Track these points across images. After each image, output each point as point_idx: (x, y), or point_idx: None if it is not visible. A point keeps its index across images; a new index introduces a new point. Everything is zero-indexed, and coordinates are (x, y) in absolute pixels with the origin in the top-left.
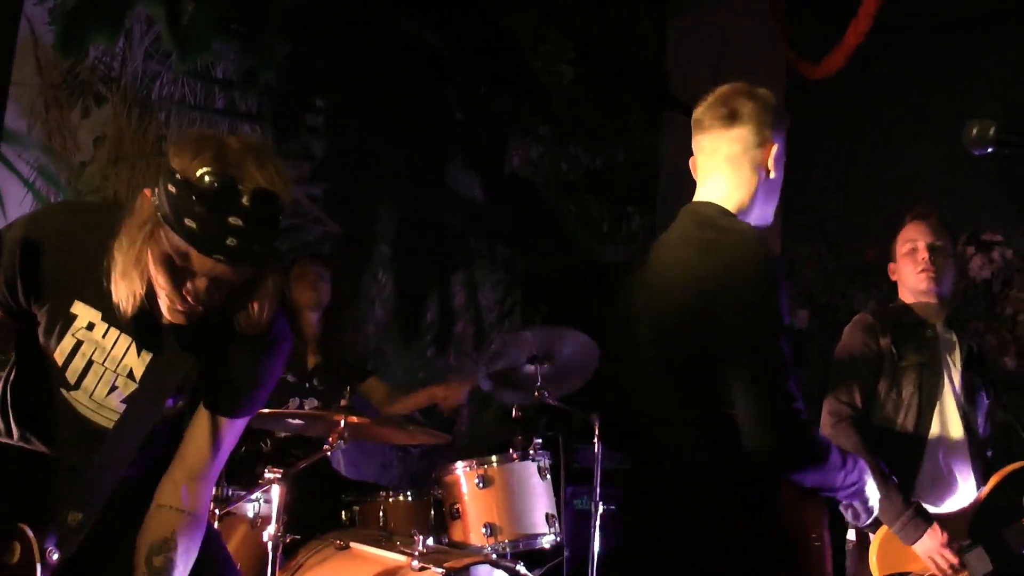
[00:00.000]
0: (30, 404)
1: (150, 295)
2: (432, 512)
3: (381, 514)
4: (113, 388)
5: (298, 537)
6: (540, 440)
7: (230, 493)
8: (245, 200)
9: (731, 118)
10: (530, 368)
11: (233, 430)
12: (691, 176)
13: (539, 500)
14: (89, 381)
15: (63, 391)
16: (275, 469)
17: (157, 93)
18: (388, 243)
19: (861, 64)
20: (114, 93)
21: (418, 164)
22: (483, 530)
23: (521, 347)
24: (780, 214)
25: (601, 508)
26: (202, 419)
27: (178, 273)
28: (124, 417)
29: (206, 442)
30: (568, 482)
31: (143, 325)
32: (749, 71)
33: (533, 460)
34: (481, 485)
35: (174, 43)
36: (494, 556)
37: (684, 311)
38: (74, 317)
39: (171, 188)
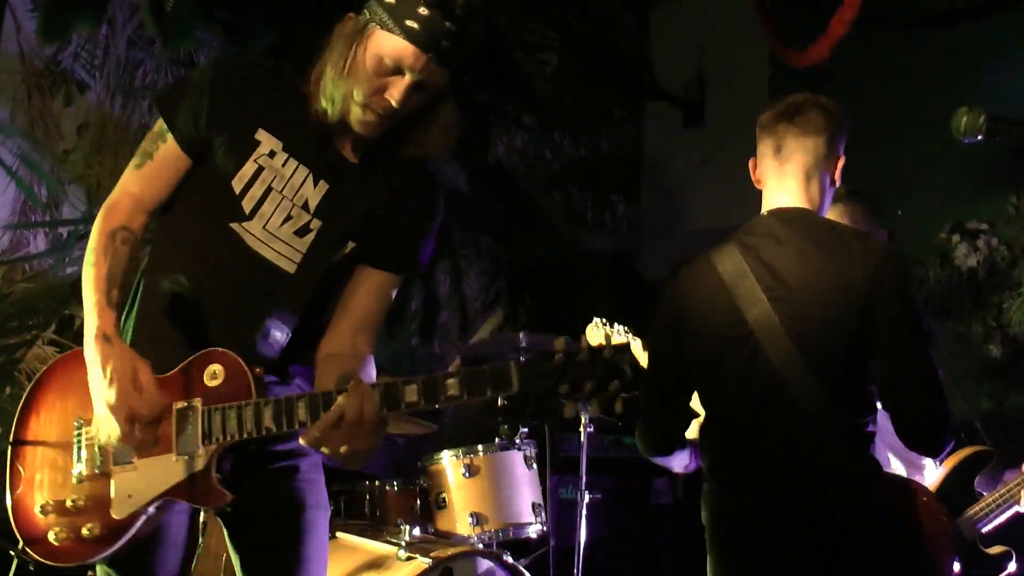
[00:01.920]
0: (192, 243)
1: (334, 127)
2: (418, 501)
3: (367, 503)
4: (288, 218)
5: None
6: (526, 429)
7: None
8: (459, 10)
9: (807, 129)
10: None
11: (395, 286)
12: (674, 164)
13: (525, 489)
14: (266, 209)
15: (234, 224)
16: None
17: (140, 81)
18: None
19: (846, 53)
20: (97, 81)
21: None
22: (469, 519)
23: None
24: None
25: (587, 497)
26: (366, 274)
27: (384, 77)
28: (309, 251)
29: (372, 296)
30: (553, 471)
31: (322, 156)
32: (733, 60)
33: (519, 449)
34: (467, 474)
35: (157, 30)
36: (480, 545)
37: (841, 312)
38: (257, 143)
39: (390, 1)
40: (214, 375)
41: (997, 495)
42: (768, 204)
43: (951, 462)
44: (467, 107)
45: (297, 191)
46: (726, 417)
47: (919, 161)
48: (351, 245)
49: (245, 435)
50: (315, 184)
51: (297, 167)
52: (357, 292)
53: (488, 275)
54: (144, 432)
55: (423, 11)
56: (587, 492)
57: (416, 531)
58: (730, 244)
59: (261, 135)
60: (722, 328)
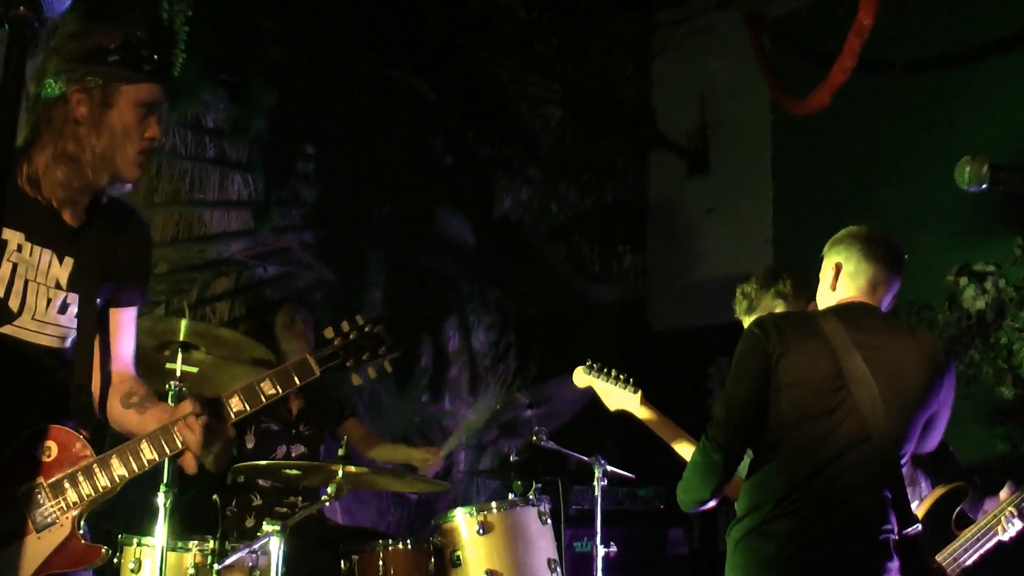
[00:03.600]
0: None
1: (66, 197)
2: (432, 560)
3: (381, 563)
4: (49, 301)
5: None
6: (540, 484)
7: (227, 547)
8: (164, 23)
9: (900, 269)
10: (526, 413)
11: (138, 314)
12: (680, 213)
13: (540, 545)
14: (31, 300)
15: (7, 328)
16: (273, 522)
17: None
18: (380, 289)
19: (847, 99)
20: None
21: (408, 209)
22: None
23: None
24: (769, 251)
25: (603, 551)
26: (115, 315)
27: (143, 122)
28: (77, 323)
29: (127, 332)
30: (567, 525)
31: (59, 234)
32: (735, 108)
33: (533, 505)
34: (481, 532)
35: (165, 94)
36: None
37: (921, 382)
38: (5, 243)
39: (113, 58)
40: (48, 450)
41: (976, 528)
42: (848, 298)
43: (927, 502)
44: (472, 161)
45: (48, 274)
46: (805, 450)
47: (924, 204)
48: (98, 300)
49: (101, 489)
50: (61, 262)
51: (42, 252)
52: (116, 334)
53: (497, 328)
54: None
55: (147, 53)
56: (602, 545)
57: None
58: (829, 313)
59: (6, 233)
60: (819, 373)
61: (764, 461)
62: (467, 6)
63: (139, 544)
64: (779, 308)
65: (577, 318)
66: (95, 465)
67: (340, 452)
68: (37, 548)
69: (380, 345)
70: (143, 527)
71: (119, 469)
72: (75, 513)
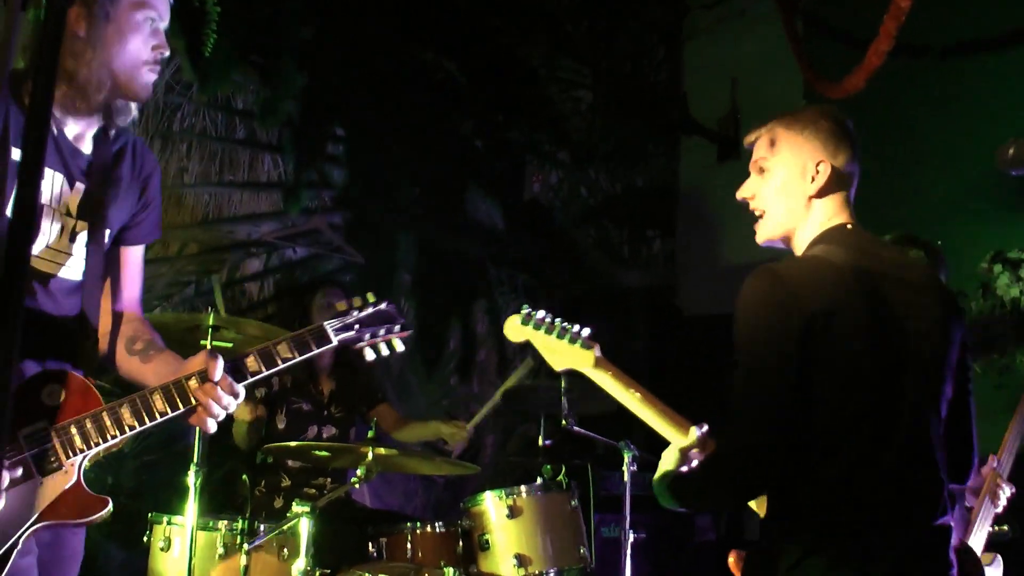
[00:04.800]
0: None
1: (71, 119)
2: (460, 543)
3: (409, 546)
4: (62, 228)
5: (327, 571)
6: (569, 469)
7: (256, 526)
8: None
9: None
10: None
11: (144, 251)
12: (709, 198)
13: (569, 530)
14: (45, 226)
15: None
16: (302, 503)
17: (178, 125)
18: (409, 272)
19: (882, 82)
20: (135, 125)
21: (437, 192)
22: (513, 561)
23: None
24: None
25: (631, 536)
26: (123, 253)
27: (146, 34)
28: (87, 255)
29: (134, 270)
30: (596, 510)
31: (70, 159)
32: (767, 92)
33: (562, 490)
34: (510, 515)
35: (195, 75)
36: None
37: (947, 329)
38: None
39: None
40: (52, 394)
41: (978, 507)
42: (835, 219)
43: None
44: (502, 144)
45: (60, 199)
46: (858, 439)
47: (959, 190)
48: (108, 233)
49: (109, 437)
50: (72, 187)
51: (54, 176)
52: (124, 274)
53: None
54: None
55: None
56: (631, 531)
57: (459, 573)
58: (839, 248)
59: (16, 153)
60: (864, 334)
61: (811, 454)
62: None
63: (169, 523)
64: None
65: (606, 303)
66: (104, 413)
67: (370, 434)
68: (40, 493)
69: (392, 322)
70: (173, 506)
71: (129, 419)
72: (79, 460)
